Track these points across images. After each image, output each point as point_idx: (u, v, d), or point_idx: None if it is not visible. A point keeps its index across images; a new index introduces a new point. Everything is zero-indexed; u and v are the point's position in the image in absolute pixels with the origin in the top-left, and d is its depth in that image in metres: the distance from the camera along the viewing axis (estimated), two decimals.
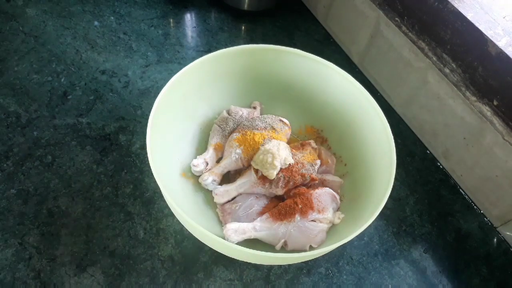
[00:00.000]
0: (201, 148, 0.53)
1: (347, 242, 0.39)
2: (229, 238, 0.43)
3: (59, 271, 0.44)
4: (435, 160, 0.61)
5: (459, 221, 0.55)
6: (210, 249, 0.46)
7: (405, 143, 0.62)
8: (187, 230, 0.46)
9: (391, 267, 0.50)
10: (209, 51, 0.67)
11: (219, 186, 0.48)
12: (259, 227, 0.44)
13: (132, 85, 0.62)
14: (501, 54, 0.44)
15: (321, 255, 0.44)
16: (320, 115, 0.55)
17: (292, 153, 0.49)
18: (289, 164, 0.47)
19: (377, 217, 0.39)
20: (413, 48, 0.57)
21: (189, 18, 0.74)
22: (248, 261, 0.46)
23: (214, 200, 0.48)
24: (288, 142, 0.52)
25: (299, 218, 0.44)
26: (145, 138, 0.41)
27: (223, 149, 0.51)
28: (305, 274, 0.48)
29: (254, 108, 0.56)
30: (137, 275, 0.45)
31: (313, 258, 0.43)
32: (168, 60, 0.66)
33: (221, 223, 0.47)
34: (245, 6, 0.74)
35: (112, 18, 0.71)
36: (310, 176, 0.48)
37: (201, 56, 0.49)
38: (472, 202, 0.57)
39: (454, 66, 0.51)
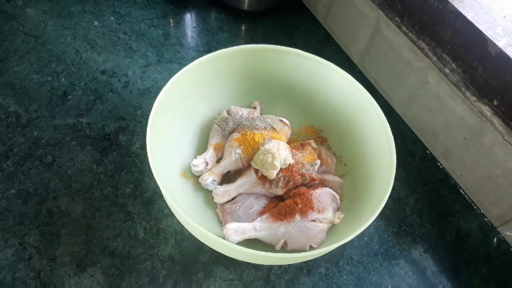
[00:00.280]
0: (201, 148, 0.53)
1: (347, 242, 0.39)
2: (229, 238, 0.43)
3: (59, 271, 0.44)
4: (435, 160, 0.61)
5: (459, 221, 0.55)
6: (210, 249, 0.46)
7: (405, 143, 0.62)
8: (187, 230, 0.46)
9: (391, 267, 0.50)
10: (209, 51, 0.67)
11: (219, 186, 0.48)
12: (259, 227, 0.44)
13: (132, 85, 0.62)
14: (501, 54, 0.44)
15: (321, 255, 0.44)
16: (320, 115, 0.55)
17: (292, 153, 0.49)
18: (289, 164, 0.47)
19: (377, 217, 0.39)
20: (413, 48, 0.57)
21: (189, 18, 0.74)
22: (248, 261, 0.45)
23: (214, 200, 0.48)
24: (288, 142, 0.52)
25: (299, 218, 0.44)
26: (145, 138, 0.41)
27: (223, 149, 0.51)
28: (305, 274, 0.48)
29: (254, 108, 0.56)
30: (137, 275, 0.45)
31: (313, 258, 0.43)
32: (168, 60, 0.66)
33: (221, 223, 0.47)
34: (245, 6, 0.74)
35: (112, 18, 0.71)
36: (310, 176, 0.48)
37: (201, 56, 0.49)
38: (472, 202, 0.57)
39: (454, 66, 0.51)
